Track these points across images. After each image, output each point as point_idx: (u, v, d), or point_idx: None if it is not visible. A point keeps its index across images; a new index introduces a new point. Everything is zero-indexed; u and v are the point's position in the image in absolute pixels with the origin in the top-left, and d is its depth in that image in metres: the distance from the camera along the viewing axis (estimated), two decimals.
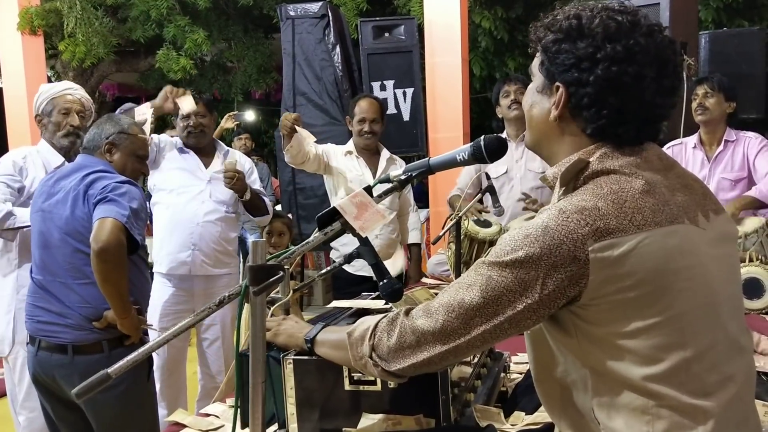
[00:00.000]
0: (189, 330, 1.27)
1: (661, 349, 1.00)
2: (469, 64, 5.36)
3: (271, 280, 1.11)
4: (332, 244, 2.78)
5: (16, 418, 2.80)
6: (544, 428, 1.41)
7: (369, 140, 3.48)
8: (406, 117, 4.75)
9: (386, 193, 1.34)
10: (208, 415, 1.76)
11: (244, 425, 1.33)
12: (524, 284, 1.02)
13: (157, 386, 2.78)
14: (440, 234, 2.66)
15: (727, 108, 3.30)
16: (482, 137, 1.28)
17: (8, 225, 2.57)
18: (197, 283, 3.19)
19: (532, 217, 1.10)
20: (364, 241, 1.24)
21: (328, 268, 1.54)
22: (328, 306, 1.86)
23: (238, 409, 1.28)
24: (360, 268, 3.37)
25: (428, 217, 5.07)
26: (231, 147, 4.15)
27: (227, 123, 5.80)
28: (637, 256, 0.99)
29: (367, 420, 1.38)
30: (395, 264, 3.53)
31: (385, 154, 3.59)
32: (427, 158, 1.34)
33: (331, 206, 1.25)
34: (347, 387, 1.39)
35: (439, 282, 3.24)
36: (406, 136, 4.71)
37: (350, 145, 3.54)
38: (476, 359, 1.62)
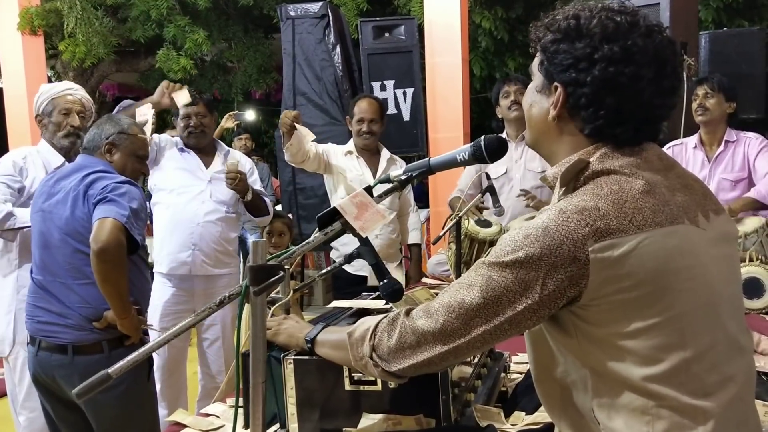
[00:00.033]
0: (189, 330, 1.27)
1: (661, 350, 1.00)
2: (469, 64, 5.36)
3: (271, 280, 1.11)
4: (332, 244, 2.78)
5: (17, 418, 2.80)
6: (544, 428, 1.41)
7: (368, 140, 3.48)
8: (406, 117, 4.75)
9: (386, 193, 1.34)
10: (208, 415, 1.76)
11: (247, 425, 1.33)
12: (524, 285, 1.02)
13: (158, 386, 2.79)
14: (440, 234, 2.66)
15: (728, 108, 3.30)
16: (482, 137, 1.29)
17: (8, 225, 2.57)
18: (197, 283, 3.19)
19: (533, 217, 1.10)
20: (365, 241, 1.25)
21: (328, 268, 1.54)
22: (329, 306, 1.86)
23: (239, 409, 1.28)
24: (360, 268, 3.37)
25: (428, 217, 5.07)
26: (231, 147, 4.16)
27: (227, 122, 5.81)
28: (637, 256, 0.99)
29: (368, 420, 1.38)
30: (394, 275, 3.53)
31: (385, 154, 3.59)
32: (427, 158, 1.34)
33: (332, 206, 1.25)
34: (347, 387, 1.39)
35: (439, 282, 3.24)
36: (406, 136, 4.71)
37: (350, 145, 3.54)
38: (476, 359, 1.63)
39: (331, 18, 4.93)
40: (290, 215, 4.78)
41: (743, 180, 3.29)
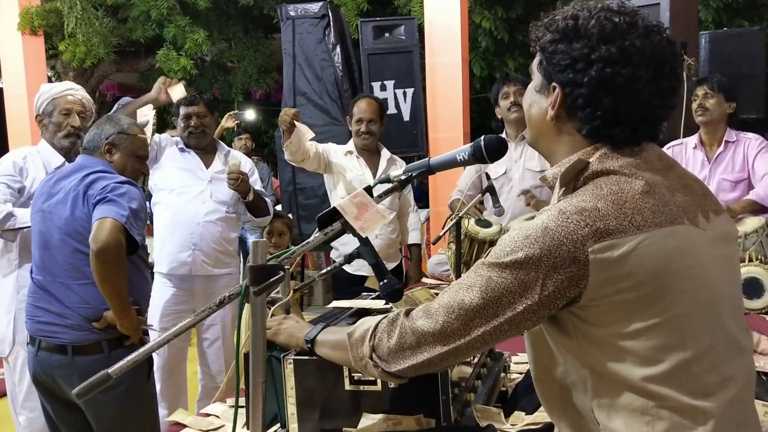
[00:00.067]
0: (189, 330, 1.27)
1: (660, 350, 1.00)
2: (469, 64, 5.36)
3: (271, 280, 1.11)
4: (332, 244, 2.78)
5: (17, 418, 2.80)
6: (544, 428, 1.41)
7: (367, 140, 3.48)
8: (406, 117, 4.75)
9: (386, 193, 1.34)
10: (208, 415, 1.77)
11: (247, 425, 1.33)
12: (524, 285, 1.02)
13: (158, 386, 2.79)
14: (440, 234, 2.66)
15: (727, 108, 3.30)
16: (482, 137, 1.29)
17: (9, 226, 2.57)
18: (198, 283, 3.19)
19: (533, 218, 1.10)
20: (365, 241, 1.25)
21: (328, 268, 1.54)
22: (329, 306, 1.86)
23: (239, 409, 1.28)
24: (360, 268, 3.37)
25: (428, 217, 5.07)
26: (231, 147, 4.16)
27: (227, 122, 5.81)
28: (637, 257, 0.99)
29: (368, 420, 1.38)
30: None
31: (385, 154, 3.59)
32: (427, 158, 1.34)
33: (332, 206, 1.25)
34: (347, 387, 1.39)
35: (439, 282, 3.25)
36: (406, 136, 4.71)
37: (350, 145, 3.54)
38: (476, 359, 1.63)
39: (331, 18, 4.93)
40: (290, 215, 4.78)
41: (743, 180, 3.29)
